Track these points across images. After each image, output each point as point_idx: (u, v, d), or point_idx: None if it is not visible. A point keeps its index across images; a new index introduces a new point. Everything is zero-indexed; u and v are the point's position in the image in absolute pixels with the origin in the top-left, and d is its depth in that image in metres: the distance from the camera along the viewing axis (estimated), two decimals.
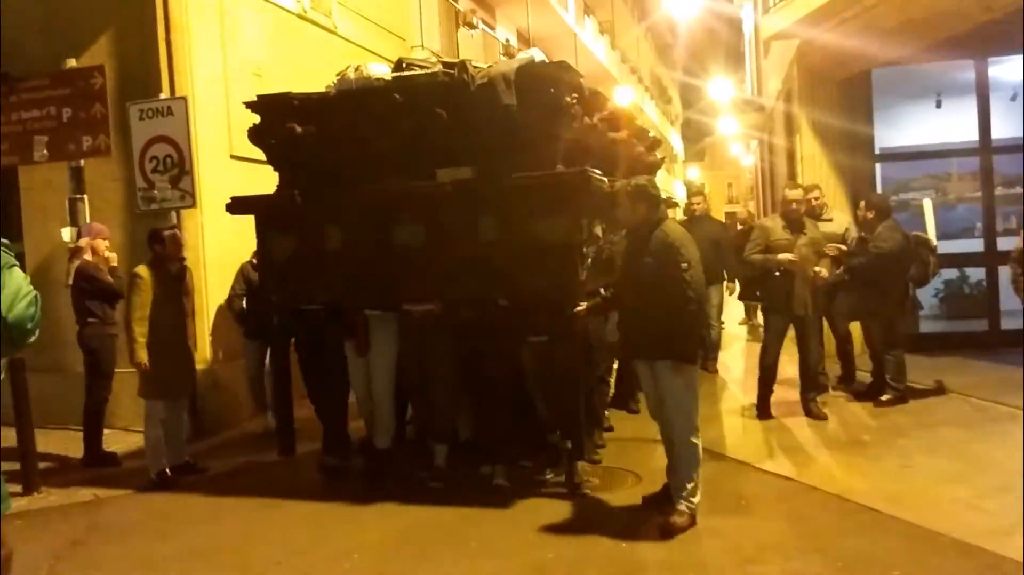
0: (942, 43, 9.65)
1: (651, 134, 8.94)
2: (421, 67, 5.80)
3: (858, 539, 4.60)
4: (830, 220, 7.92)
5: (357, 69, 5.94)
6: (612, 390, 7.50)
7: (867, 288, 7.41)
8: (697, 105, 29.55)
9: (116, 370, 6.93)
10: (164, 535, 5.29)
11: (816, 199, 8.10)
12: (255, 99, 6.09)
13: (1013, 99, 10.58)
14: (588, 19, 21.52)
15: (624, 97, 21.56)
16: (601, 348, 6.22)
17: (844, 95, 11.25)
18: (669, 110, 32.67)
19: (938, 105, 10.86)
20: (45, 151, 7.27)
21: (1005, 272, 8.46)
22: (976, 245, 10.55)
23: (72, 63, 7.46)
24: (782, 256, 6.93)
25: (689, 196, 9.65)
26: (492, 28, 15.91)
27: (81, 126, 7.16)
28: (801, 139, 12.23)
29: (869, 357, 7.96)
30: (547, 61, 5.72)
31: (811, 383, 7.31)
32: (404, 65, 5.86)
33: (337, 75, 6.05)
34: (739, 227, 12.92)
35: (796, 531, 4.81)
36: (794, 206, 7.14)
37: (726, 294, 10.65)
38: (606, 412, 7.04)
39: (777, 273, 7.05)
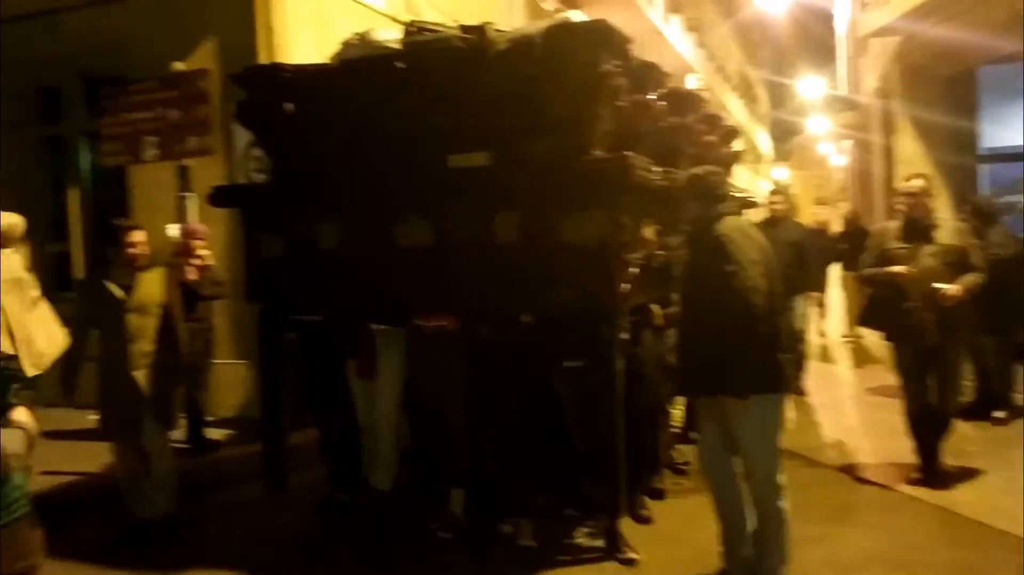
0: None
1: (725, 122, 8.15)
2: (434, 31, 4.91)
3: (962, 551, 4.72)
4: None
5: (362, 36, 5.20)
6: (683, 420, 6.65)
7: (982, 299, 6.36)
8: (785, 104, 29.66)
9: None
10: None
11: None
12: (241, 71, 5.39)
13: None
14: (674, 17, 21.80)
15: (692, 84, 21.77)
16: (658, 373, 5.32)
17: (948, 93, 10.76)
18: (756, 109, 32.50)
19: None
20: (155, 150, 7.87)
21: None
22: None
23: (179, 67, 7.95)
24: (893, 268, 5.73)
25: (768, 196, 8.90)
26: None
27: (188, 127, 7.61)
28: (900, 138, 11.73)
29: (975, 372, 7.46)
30: (585, 21, 4.77)
31: (930, 437, 5.91)
32: (415, 29, 4.97)
33: (341, 43, 5.36)
34: (844, 229, 11.78)
35: (897, 542, 4.90)
36: (900, 203, 6.04)
37: (807, 307, 9.42)
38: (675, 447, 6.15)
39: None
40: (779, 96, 32.67)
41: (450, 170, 4.73)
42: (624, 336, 4.70)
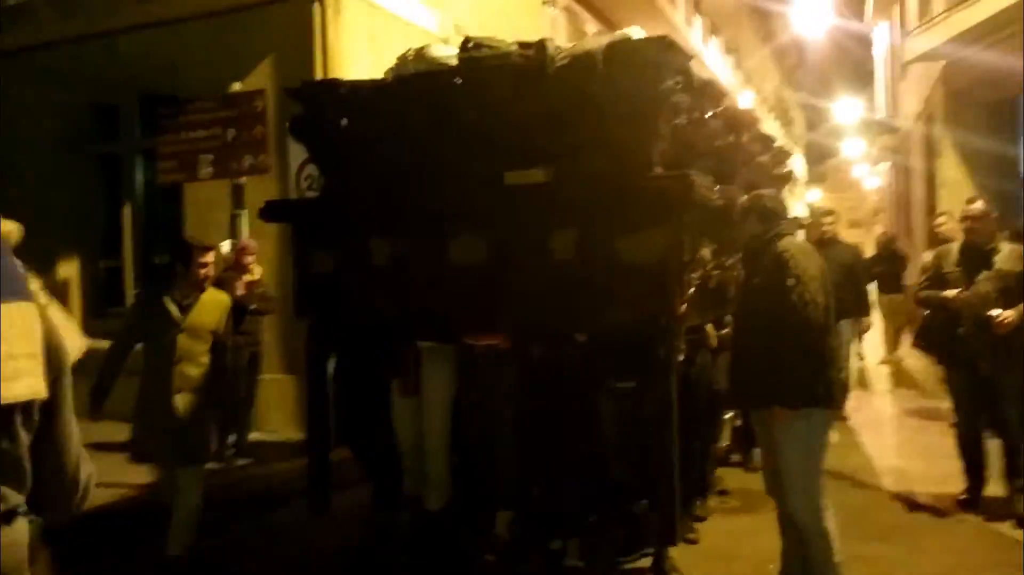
0: None
1: (777, 143, 7.94)
2: (492, 48, 4.73)
3: (1010, 570, 4.72)
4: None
5: (419, 51, 5.07)
6: (727, 441, 6.63)
7: None
8: (820, 126, 29.44)
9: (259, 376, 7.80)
10: None
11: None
12: (298, 86, 5.27)
13: None
14: (713, 38, 21.76)
15: (746, 102, 21.63)
16: (710, 396, 5.20)
17: (991, 118, 10.57)
18: (792, 131, 32.42)
19: None
20: (210, 168, 8.02)
21: None
22: None
23: (236, 87, 8.21)
24: (946, 293, 5.57)
25: (818, 217, 8.71)
26: None
27: (243, 146, 7.83)
28: (942, 162, 11.47)
29: None
30: (646, 37, 4.59)
31: (1014, 466, 5.57)
32: (471, 45, 4.78)
33: (397, 59, 5.22)
34: (878, 252, 11.75)
35: (950, 562, 4.91)
36: (962, 225, 5.74)
37: (855, 331, 8.97)
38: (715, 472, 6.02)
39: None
40: (814, 118, 32.44)
41: (506, 187, 4.56)
42: (680, 357, 4.53)
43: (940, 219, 7.70)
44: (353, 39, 8.88)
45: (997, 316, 5.27)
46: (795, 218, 7.55)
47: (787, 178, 7.77)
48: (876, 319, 12.10)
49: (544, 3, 13.01)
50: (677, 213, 4.34)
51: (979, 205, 5.68)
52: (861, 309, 8.51)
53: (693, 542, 5.05)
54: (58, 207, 10.06)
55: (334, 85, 5.05)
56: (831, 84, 29.80)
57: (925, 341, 6.26)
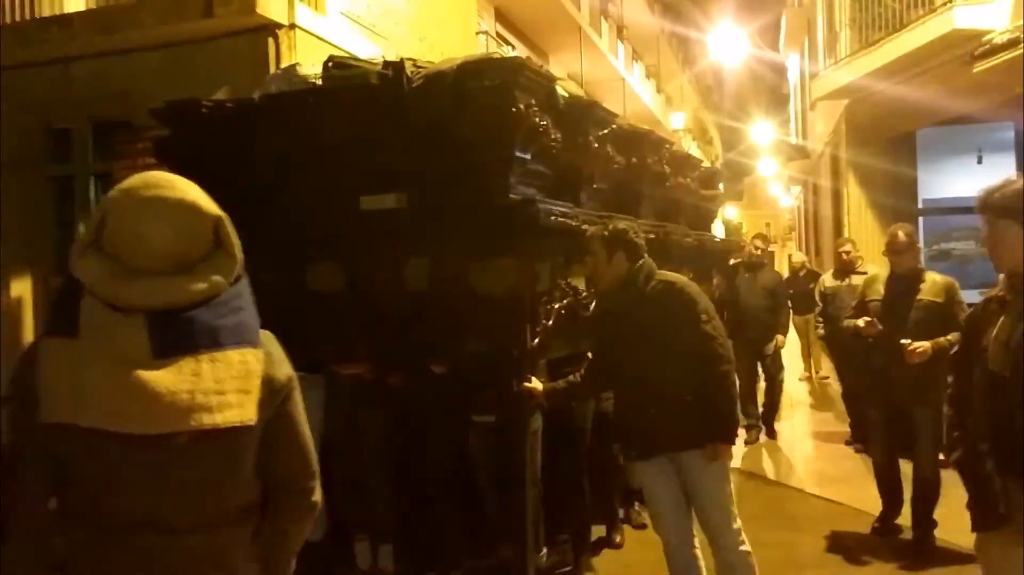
0: (984, 108, 8.84)
1: (703, 163, 7.41)
2: (355, 68, 4.11)
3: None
4: (864, 273, 6.31)
5: (285, 70, 4.52)
6: None
7: None
8: (737, 147, 28.98)
9: None
10: None
11: (847, 253, 6.87)
12: (161, 106, 4.51)
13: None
14: (636, 64, 21.20)
15: (677, 123, 21.06)
16: (599, 427, 4.36)
17: (890, 151, 10.22)
18: (710, 151, 31.88)
19: (979, 161, 10.16)
20: None
21: None
22: None
23: None
24: (859, 321, 4.75)
25: (751, 240, 7.98)
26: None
27: None
28: (848, 189, 11.55)
29: None
30: (502, 56, 3.98)
31: (921, 508, 4.65)
32: (332, 64, 4.15)
33: (267, 77, 4.65)
34: (790, 274, 10.71)
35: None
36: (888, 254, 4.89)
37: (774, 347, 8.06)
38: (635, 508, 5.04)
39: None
40: (731, 138, 31.97)
41: (363, 212, 3.80)
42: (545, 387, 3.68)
43: (845, 247, 7.06)
44: (310, 66, 8.11)
45: (909, 345, 4.42)
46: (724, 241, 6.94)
47: (719, 199, 7.17)
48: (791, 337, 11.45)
49: (478, 32, 12.28)
50: (525, 241, 3.57)
51: (902, 236, 4.79)
52: (781, 328, 7.77)
53: None
54: (11, 226, 9.21)
55: (196, 105, 4.26)
56: (747, 107, 29.36)
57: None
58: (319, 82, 4.12)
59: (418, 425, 3.95)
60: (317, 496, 1.73)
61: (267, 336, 1.67)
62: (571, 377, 3.66)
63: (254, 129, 4.13)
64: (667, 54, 23.19)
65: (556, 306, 3.76)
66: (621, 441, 3.81)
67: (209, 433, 1.50)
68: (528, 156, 3.77)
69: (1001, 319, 2.35)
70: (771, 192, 27.93)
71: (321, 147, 3.96)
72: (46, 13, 9.19)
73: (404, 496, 4.09)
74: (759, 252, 7.66)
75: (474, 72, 3.62)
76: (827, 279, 7.09)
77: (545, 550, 3.81)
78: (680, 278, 3.47)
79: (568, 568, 4.14)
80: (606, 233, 3.42)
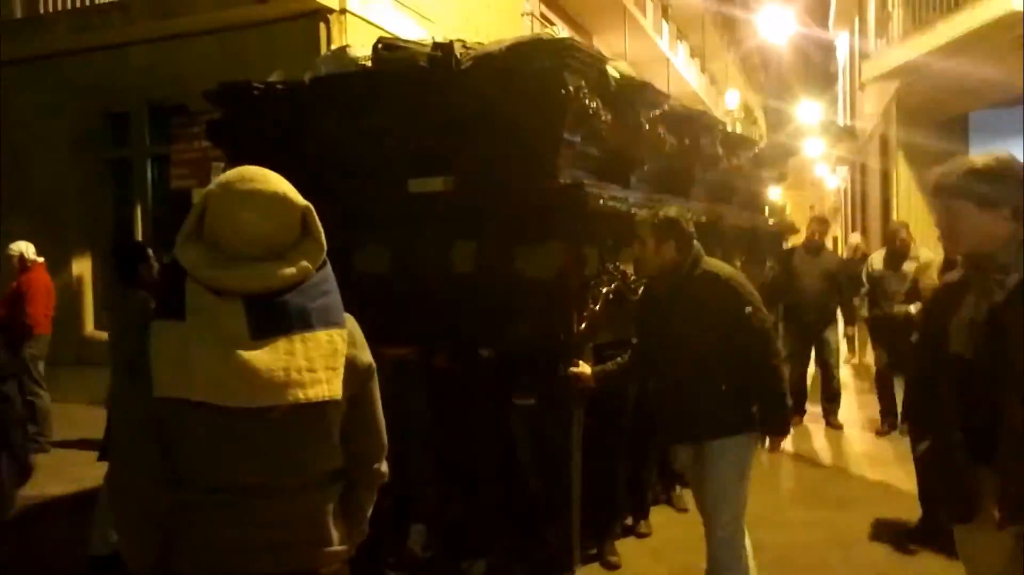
0: None
1: (757, 146, 6.98)
2: (406, 49, 4.03)
3: None
4: (916, 259, 6.07)
5: (335, 52, 4.44)
6: None
7: None
8: (782, 127, 28.26)
9: None
10: None
11: (903, 240, 6.40)
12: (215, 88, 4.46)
13: None
14: (680, 44, 20.78)
15: (731, 102, 20.52)
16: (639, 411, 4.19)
17: (942, 133, 9.80)
18: (754, 131, 31.38)
19: None
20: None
21: None
22: None
23: None
24: (906, 307, 4.76)
25: (810, 224, 7.49)
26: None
27: None
28: (898, 170, 11.28)
29: None
30: (551, 37, 3.86)
31: None
32: (381, 47, 4.07)
33: (318, 59, 4.58)
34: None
35: None
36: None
37: (843, 339, 7.82)
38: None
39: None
40: (776, 119, 31.18)
41: (410, 195, 3.74)
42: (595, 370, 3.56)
43: (901, 233, 6.54)
44: (363, 47, 8.09)
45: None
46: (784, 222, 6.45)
47: (778, 179, 6.82)
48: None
49: (523, 14, 12.14)
50: (573, 225, 3.47)
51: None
52: (847, 318, 7.35)
53: (615, 566, 3.99)
54: (71, 208, 9.44)
55: (248, 87, 4.23)
56: (793, 87, 28.51)
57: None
58: (368, 64, 4.07)
59: (462, 408, 3.90)
60: (384, 468, 1.87)
61: (351, 320, 1.77)
62: (619, 359, 3.55)
63: (304, 111, 4.09)
64: (712, 33, 22.70)
65: (604, 290, 3.66)
66: (657, 425, 3.68)
67: (302, 406, 1.62)
68: (577, 139, 3.67)
69: (964, 300, 2.22)
70: (816, 173, 27.20)
71: (370, 129, 3.90)
72: (103, 0, 9.29)
73: (447, 478, 4.06)
74: (818, 235, 7.27)
75: (523, 54, 3.52)
76: (876, 260, 6.69)
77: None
78: (726, 269, 3.31)
79: (592, 551, 4.03)
80: (657, 221, 3.26)
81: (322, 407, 1.65)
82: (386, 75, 3.86)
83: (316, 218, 1.73)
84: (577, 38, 13.51)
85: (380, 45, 3.99)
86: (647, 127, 4.31)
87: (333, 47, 7.77)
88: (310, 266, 1.69)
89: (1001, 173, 2.14)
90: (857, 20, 15.75)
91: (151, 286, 4.39)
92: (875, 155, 14.12)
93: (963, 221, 2.17)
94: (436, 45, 3.86)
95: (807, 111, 22.27)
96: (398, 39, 4.10)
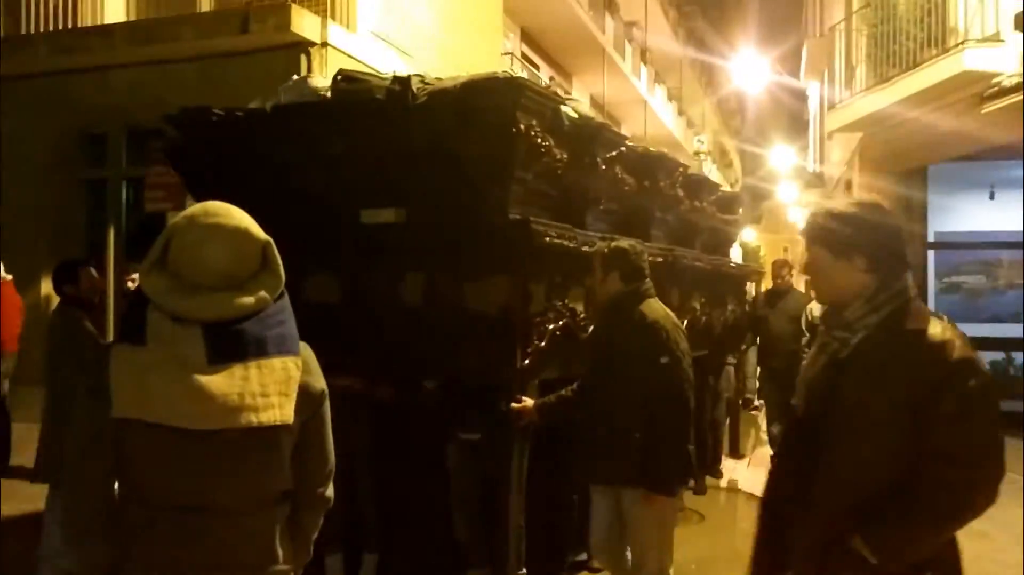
0: (995, 147, 8.70)
1: (722, 187, 7.15)
2: (364, 82, 4.01)
3: None
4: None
5: (296, 82, 4.39)
6: None
7: None
8: (756, 172, 28.57)
9: None
10: None
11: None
12: (175, 113, 4.47)
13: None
14: (658, 87, 21.04)
15: (700, 143, 20.61)
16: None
17: (903, 184, 10.16)
18: (730, 174, 31.58)
19: (991, 196, 9.97)
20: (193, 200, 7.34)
21: None
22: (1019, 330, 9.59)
23: None
24: None
25: (775, 269, 7.48)
26: (567, 93, 15.54)
27: None
28: None
29: None
30: (501, 75, 3.82)
31: None
32: (340, 79, 4.05)
33: (279, 88, 4.51)
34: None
35: None
36: None
37: None
38: None
39: None
40: (750, 163, 31.57)
41: (363, 225, 3.73)
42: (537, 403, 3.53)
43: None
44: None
45: None
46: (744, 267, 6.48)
47: (738, 223, 6.91)
48: None
49: (504, 53, 12.24)
50: (519, 261, 3.44)
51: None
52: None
53: None
54: (44, 226, 9.28)
55: (207, 112, 4.22)
56: (768, 131, 28.94)
57: None
58: (328, 95, 4.04)
59: (405, 439, 3.83)
60: (329, 493, 1.92)
61: (305, 348, 1.83)
62: (562, 392, 3.51)
63: (262, 138, 4.06)
64: (689, 78, 23.04)
65: (551, 327, 3.60)
66: (576, 458, 3.68)
67: (254, 430, 1.67)
68: (529, 176, 3.66)
69: (812, 355, 2.06)
70: (790, 217, 27.49)
71: (326, 159, 3.87)
72: (86, 22, 9.25)
73: (389, 509, 3.96)
74: (782, 279, 7.27)
75: (477, 90, 3.53)
76: (815, 307, 6.34)
77: (524, 571, 3.65)
78: (658, 312, 3.27)
79: None
80: (606, 251, 3.29)
81: (274, 431, 1.70)
82: (343, 106, 3.84)
83: (276, 252, 1.78)
84: (556, 78, 13.62)
85: (340, 77, 3.97)
86: (604, 167, 4.32)
87: (313, 71, 7.80)
88: (268, 296, 1.75)
89: (860, 220, 1.90)
90: (826, 71, 16.07)
91: (85, 302, 4.51)
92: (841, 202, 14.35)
93: (819, 267, 1.96)
94: (395, 79, 3.85)
95: (780, 156, 22.57)
96: (357, 72, 4.05)
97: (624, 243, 3.40)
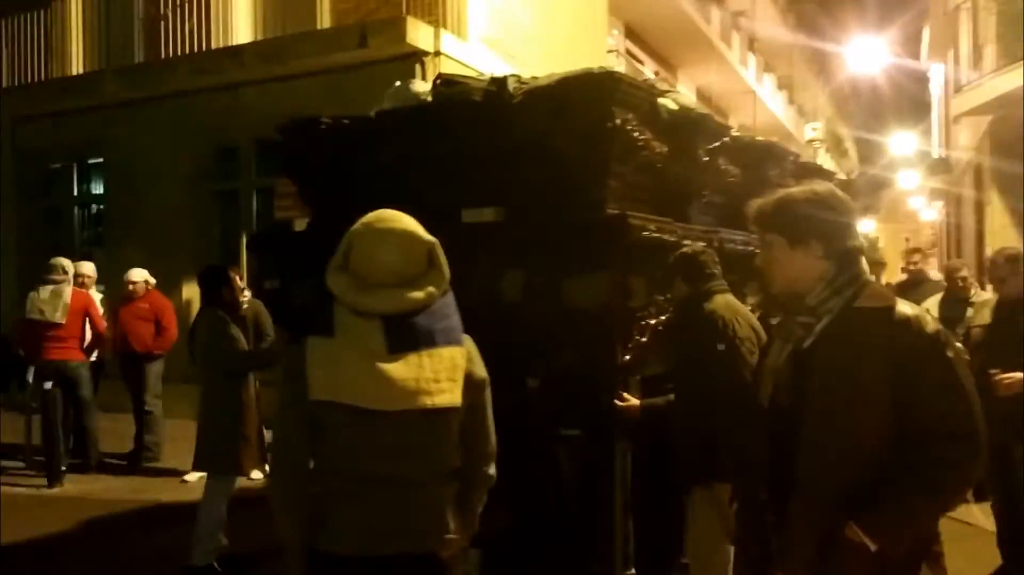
0: None
1: (837, 175, 6.67)
2: (464, 84, 4.03)
3: None
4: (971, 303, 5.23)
5: (398, 88, 4.38)
6: None
7: None
8: (873, 159, 26.85)
9: None
10: None
11: (963, 279, 5.81)
12: (286, 122, 4.55)
13: None
14: (767, 76, 20.13)
15: (811, 131, 19.57)
16: None
17: None
18: (845, 163, 29.93)
19: None
20: None
21: None
22: None
23: None
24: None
25: (906, 255, 6.94)
26: (673, 87, 14.97)
27: None
28: (991, 204, 10.81)
29: None
30: (596, 71, 3.65)
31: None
32: (440, 82, 4.12)
33: (384, 95, 4.56)
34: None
35: None
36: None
37: None
38: None
39: None
40: (867, 151, 29.72)
41: (463, 225, 3.69)
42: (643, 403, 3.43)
43: (961, 272, 6.03)
44: None
45: (996, 375, 3.76)
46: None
47: (867, 211, 6.34)
48: None
49: (609, 51, 12.02)
50: (617, 256, 3.33)
51: (1002, 260, 4.09)
52: None
53: None
54: (183, 236, 9.86)
55: (316, 122, 4.30)
56: (884, 117, 27.12)
57: None
58: (428, 99, 4.07)
59: (509, 437, 3.74)
60: (492, 471, 2.11)
61: (468, 340, 2.03)
62: (671, 396, 3.38)
63: (366, 143, 4.11)
64: (800, 65, 21.97)
65: (652, 322, 3.47)
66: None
67: (429, 411, 1.85)
68: (627, 170, 3.55)
69: (772, 345, 1.99)
70: (911, 205, 25.72)
71: (427, 160, 3.89)
72: (218, 44, 9.74)
73: (491, 504, 3.91)
74: (915, 266, 6.73)
75: (571, 87, 3.46)
76: (932, 306, 5.69)
77: (633, 571, 3.52)
78: (718, 305, 3.16)
79: None
80: (671, 259, 3.27)
81: (445, 413, 1.87)
82: (442, 109, 3.85)
83: (441, 252, 2.01)
84: (662, 72, 13.26)
85: (439, 80, 3.99)
86: (706, 158, 4.13)
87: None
88: (436, 291, 1.96)
89: (817, 206, 1.87)
90: (952, 52, 14.96)
91: (229, 306, 4.68)
92: (970, 187, 13.31)
93: (774, 255, 1.91)
94: (492, 80, 3.82)
95: (900, 142, 21.19)
96: (457, 76, 4.11)
97: (688, 249, 3.34)
